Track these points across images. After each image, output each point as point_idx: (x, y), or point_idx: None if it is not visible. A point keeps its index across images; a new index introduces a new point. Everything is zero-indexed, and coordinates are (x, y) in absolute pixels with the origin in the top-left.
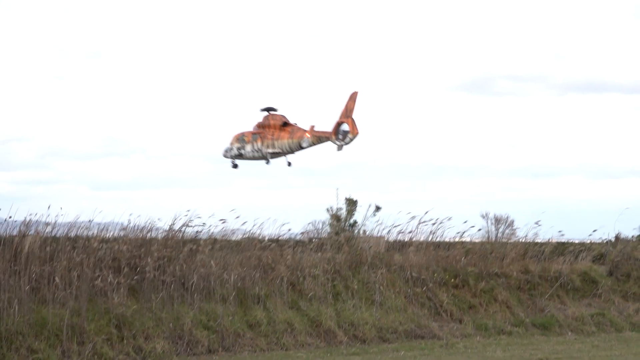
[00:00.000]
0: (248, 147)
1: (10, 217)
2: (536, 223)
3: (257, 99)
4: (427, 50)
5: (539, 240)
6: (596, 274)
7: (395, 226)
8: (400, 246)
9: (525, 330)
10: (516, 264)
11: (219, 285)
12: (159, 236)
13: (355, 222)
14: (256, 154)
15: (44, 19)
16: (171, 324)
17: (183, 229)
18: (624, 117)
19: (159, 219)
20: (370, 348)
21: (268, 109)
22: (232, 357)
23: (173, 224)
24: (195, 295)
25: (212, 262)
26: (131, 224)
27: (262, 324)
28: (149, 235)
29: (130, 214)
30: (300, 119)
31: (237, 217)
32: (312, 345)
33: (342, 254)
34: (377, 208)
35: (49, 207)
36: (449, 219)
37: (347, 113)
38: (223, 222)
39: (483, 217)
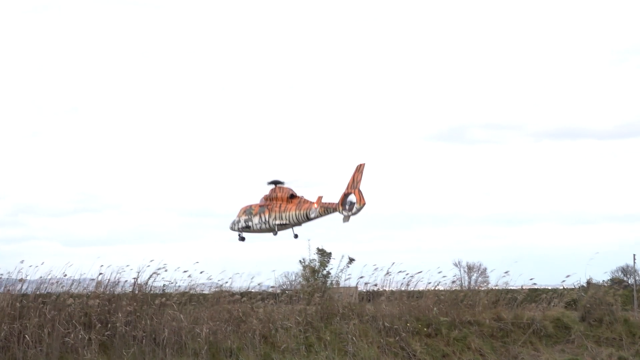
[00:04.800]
0: (255, 219)
1: None
2: (505, 272)
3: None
4: (402, 99)
5: (511, 288)
6: (569, 320)
7: (368, 276)
8: (373, 296)
9: None
10: (488, 311)
11: (190, 339)
12: (128, 290)
13: (328, 273)
14: (264, 226)
15: (21, 74)
16: None
17: (150, 282)
18: (598, 163)
19: (128, 274)
20: None
21: (275, 182)
22: None
23: (139, 277)
24: (167, 349)
25: (181, 316)
26: (101, 279)
27: None
28: (118, 289)
29: (101, 269)
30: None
31: (203, 272)
32: None
33: (313, 305)
34: (351, 260)
35: (21, 262)
36: (421, 269)
37: (354, 184)
38: (189, 276)
39: (456, 265)
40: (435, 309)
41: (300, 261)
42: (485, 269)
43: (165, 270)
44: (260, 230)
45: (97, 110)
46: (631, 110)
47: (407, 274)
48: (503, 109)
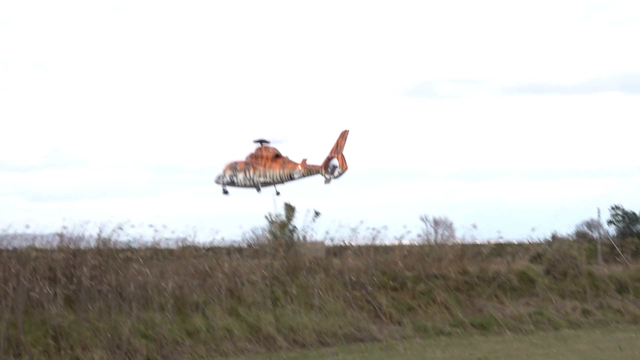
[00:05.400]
0: (240, 176)
1: None
2: (473, 226)
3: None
4: (368, 55)
5: (477, 242)
6: (533, 273)
7: (334, 232)
8: (339, 251)
9: (464, 330)
10: (454, 265)
11: (157, 293)
12: (93, 245)
13: (294, 227)
14: (248, 182)
15: None
16: (109, 334)
17: (115, 237)
18: (564, 117)
19: (92, 228)
20: (310, 352)
21: (261, 141)
22: None
23: (102, 232)
24: (133, 304)
25: (147, 270)
26: (66, 233)
27: (200, 331)
28: (83, 244)
29: (65, 223)
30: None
31: (167, 226)
32: (252, 351)
33: (279, 259)
34: (317, 214)
35: None
36: (388, 224)
37: (338, 149)
38: (156, 230)
39: (422, 220)
40: (400, 262)
41: (266, 216)
42: (451, 224)
43: (132, 227)
44: (244, 186)
45: (64, 64)
46: (598, 66)
47: (374, 229)
48: (470, 64)
